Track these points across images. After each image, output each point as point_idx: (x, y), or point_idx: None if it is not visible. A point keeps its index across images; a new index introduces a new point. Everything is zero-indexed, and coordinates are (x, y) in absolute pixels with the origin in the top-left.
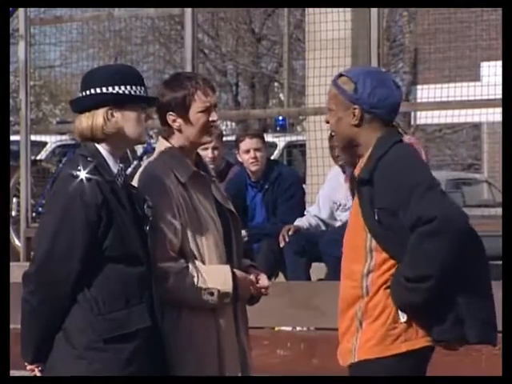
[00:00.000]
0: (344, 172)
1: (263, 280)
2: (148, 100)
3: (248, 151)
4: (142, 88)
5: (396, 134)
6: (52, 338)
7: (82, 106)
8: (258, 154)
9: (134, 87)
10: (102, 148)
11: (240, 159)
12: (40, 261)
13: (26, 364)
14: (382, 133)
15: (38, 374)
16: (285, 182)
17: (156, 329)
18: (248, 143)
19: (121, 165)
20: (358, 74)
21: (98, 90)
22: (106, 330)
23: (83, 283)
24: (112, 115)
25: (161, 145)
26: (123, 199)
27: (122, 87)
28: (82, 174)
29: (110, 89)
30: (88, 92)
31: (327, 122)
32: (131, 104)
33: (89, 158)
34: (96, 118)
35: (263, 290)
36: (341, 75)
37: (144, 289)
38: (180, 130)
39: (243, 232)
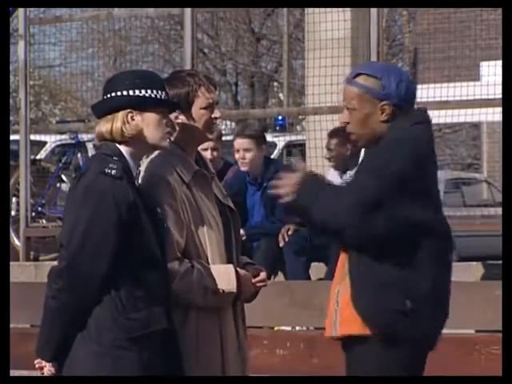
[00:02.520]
0: (340, 171)
1: (261, 274)
2: (169, 104)
3: (238, 151)
4: (163, 93)
5: (415, 117)
6: (74, 335)
7: (103, 109)
8: (248, 155)
9: (154, 91)
10: (123, 149)
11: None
12: (71, 257)
13: (36, 362)
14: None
15: (47, 373)
16: None
17: (171, 331)
18: (238, 143)
19: (139, 168)
20: (380, 69)
21: (119, 93)
22: (131, 328)
23: (109, 282)
24: (132, 118)
25: None
26: (142, 201)
27: (143, 91)
28: (113, 172)
29: (131, 92)
30: (109, 96)
31: (346, 123)
32: (152, 107)
33: (115, 158)
34: (116, 121)
35: (261, 284)
36: (358, 74)
37: (161, 292)
38: (182, 127)
39: (241, 231)
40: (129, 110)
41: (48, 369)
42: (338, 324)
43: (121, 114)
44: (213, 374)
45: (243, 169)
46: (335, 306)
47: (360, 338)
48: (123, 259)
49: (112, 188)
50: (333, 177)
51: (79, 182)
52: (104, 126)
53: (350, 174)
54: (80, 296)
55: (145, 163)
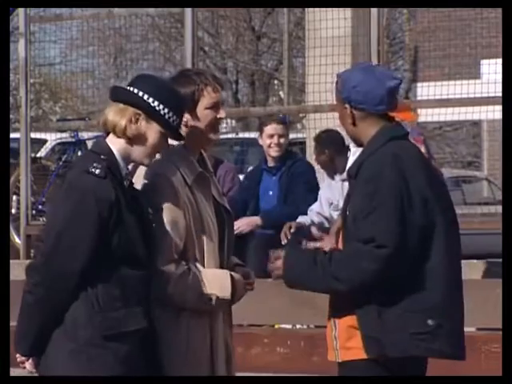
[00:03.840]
0: (329, 175)
1: (251, 277)
2: (175, 133)
3: (272, 136)
4: (178, 120)
5: (394, 130)
6: (50, 332)
7: (118, 95)
8: (282, 140)
9: (171, 113)
10: (118, 148)
11: (261, 143)
12: (48, 253)
13: (17, 356)
14: (378, 129)
15: (28, 367)
16: (298, 168)
17: (150, 331)
18: (272, 128)
19: (129, 168)
20: (345, 72)
21: (140, 94)
22: (107, 327)
23: (86, 279)
24: (137, 120)
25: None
26: (130, 201)
27: (161, 106)
28: (97, 171)
29: (151, 100)
30: (132, 89)
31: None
32: (158, 124)
33: (102, 156)
34: (123, 117)
35: (249, 286)
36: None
37: (142, 291)
38: (187, 127)
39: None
40: (138, 111)
41: (29, 363)
42: (339, 350)
43: (131, 111)
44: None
45: (275, 154)
46: (333, 330)
47: (362, 360)
48: (102, 258)
49: (94, 187)
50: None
51: (64, 179)
52: (112, 115)
53: (338, 177)
54: (55, 292)
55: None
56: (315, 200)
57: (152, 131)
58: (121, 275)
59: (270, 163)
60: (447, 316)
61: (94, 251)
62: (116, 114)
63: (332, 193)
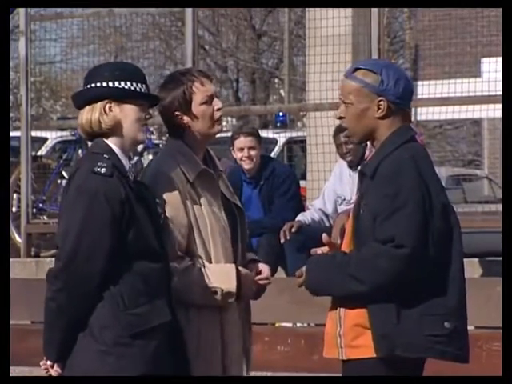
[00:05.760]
0: (351, 168)
1: (264, 271)
2: (148, 97)
3: (242, 149)
4: (144, 86)
5: (408, 132)
6: (76, 335)
7: (82, 99)
8: (252, 153)
9: (134, 84)
10: (113, 144)
11: (234, 156)
12: (67, 258)
13: (41, 363)
14: (395, 128)
15: (53, 374)
16: (279, 178)
17: (175, 324)
18: (242, 141)
19: (132, 161)
20: (379, 65)
21: (99, 85)
22: (133, 324)
23: (108, 279)
24: (110, 109)
25: (170, 143)
26: (137, 195)
27: (122, 83)
28: (103, 170)
29: (110, 83)
30: (88, 86)
31: (340, 118)
32: (131, 100)
33: (105, 155)
34: (94, 112)
35: (264, 281)
36: (357, 68)
37: (163, 284)
38: (189, 127)
39: None
40: (107, 101)
41: (55, 369)
42: (344, 348)
43: (99, 105)
44: (212, 374)
45: (247, 167)
46: (338, 328)
47: (368, 359)
48: (120, 255)
49: (103, 186)
50: (340, 169)
51: (71, 182)
52: (84, 118)
53: (351, 172)
54: (78, 296)
55: (152, 161)
56: (297, 205)
57: (128, 111)
58: (141, 270)
59: (247, 174)
60: (461, 319)
61: (112, 250)
62: (87, 114)
63: (343, 188)
